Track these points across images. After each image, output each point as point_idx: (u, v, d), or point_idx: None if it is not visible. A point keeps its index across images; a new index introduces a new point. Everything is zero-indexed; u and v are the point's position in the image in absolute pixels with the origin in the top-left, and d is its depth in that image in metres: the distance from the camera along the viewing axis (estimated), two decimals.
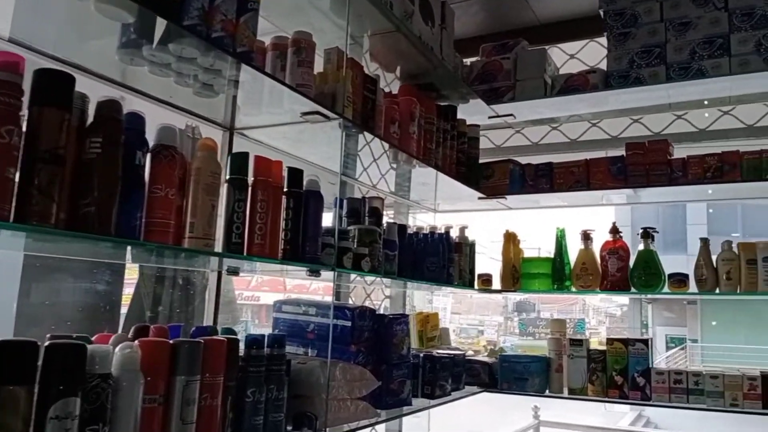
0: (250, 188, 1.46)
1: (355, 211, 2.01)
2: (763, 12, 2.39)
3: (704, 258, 2.42)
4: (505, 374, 2.59)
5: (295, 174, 1.57)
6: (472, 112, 2.82)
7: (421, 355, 2.29)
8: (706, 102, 2.81)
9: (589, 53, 3.12)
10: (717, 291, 2.40)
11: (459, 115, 2.66)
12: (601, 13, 2.74)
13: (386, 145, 2.31)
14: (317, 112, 1.65)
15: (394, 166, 2.62)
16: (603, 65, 2.80)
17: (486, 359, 2.69)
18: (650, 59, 2.58)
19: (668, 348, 18.73)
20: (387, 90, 2.40)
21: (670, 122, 2.98)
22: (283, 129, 1.84)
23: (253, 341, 1.46)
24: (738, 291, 2.33)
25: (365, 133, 2.07)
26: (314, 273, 1.63)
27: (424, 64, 2.38)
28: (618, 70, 2.63)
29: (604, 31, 2.75)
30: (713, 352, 17.89)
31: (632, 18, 2.65)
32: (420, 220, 3.24)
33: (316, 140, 1.93)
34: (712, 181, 2.42)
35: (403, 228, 2.20)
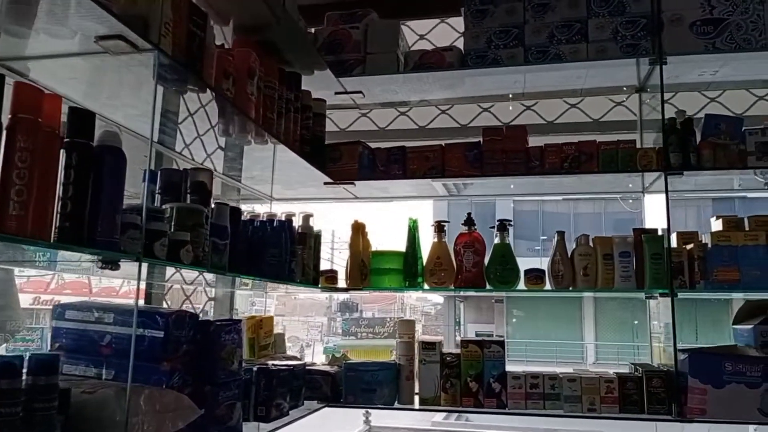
0: (4, 131, 0.95)
1: (173, 186, 1.53)
2: None
3: (561, 253, 2.28)
4: (351, 385, 2.25)
5: (82, 117, 1.07)
6: (318, 86, 2.45)
7: (255, 368, 1.86)
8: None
9: (440, 35, 2.92)
10: (571, 288, 2.28)
11: (303, 87, 2.28)
12: None
13: (214, 118, 1.87)
14: (121, 37, 1.17)
15: (222, 144, 2.17)
16: (457, 47, 2.58)
17: (328, 369, 2.33)
18: (508, 40, 2.40)
19: None
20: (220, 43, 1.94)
21: (520, 112, 2.87)
22: (70, 63, 1.31)
23: (4, 367, 0.95)
24: (595, 287, 2.23)
25: (188, 91, 1.61)
26: (109, 264, 1.14)
27: (265, 15, 1.96)
28: (475, 50, 2.43)
29: (461, 7, 2.53)
30: (516, 346, 19.33)
31: None
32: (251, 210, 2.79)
33: (120, 84, 1.43)
34: (569, 171, 2.30)
35: (236, 211, 1.76)
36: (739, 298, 2.39)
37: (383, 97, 2.78)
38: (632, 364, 2.33)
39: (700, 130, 2.26)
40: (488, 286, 2.32)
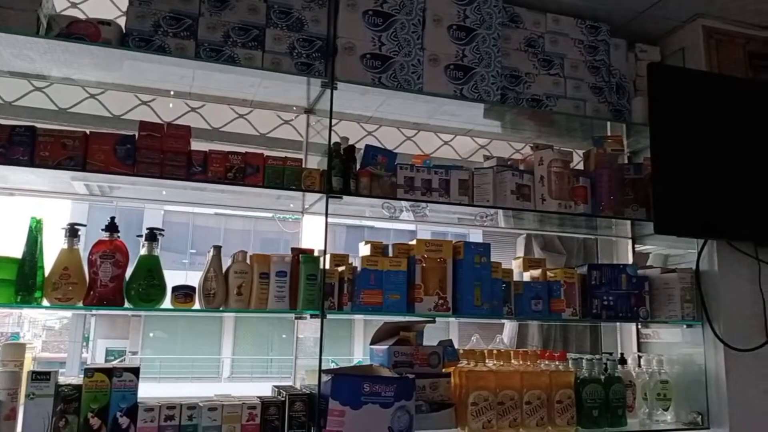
0: None
1: None
2: (300, 15, 2.28)
3: (215, 269, 2.10)
4: None
5: None
6: None
7: None
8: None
9: (96, 8, 2.49)
10: (222, 308, 2.11)
11: None
12: None
13: None
14: None
15: None
16: (117, 23, 2.21)
17: None
18: (179, 29, 2.16)
19: (107, 361, 18.25)
20: None
21: (184, 113, 2.63)
22: None
23: None
24: (248, 308, 2.10)
25: None
26: None
27: None
28: (140, 31, 2.12)
29: None
30: (150, 363, 18.32)
31: None
32: None
33: None
34: (233, 182, 2.14)
35: None
36: (377, 318, 2.53)
37: (14, 63, 2.23)
38: (275, 387, 2.26)
39: (360, 158, 2.35)
40: (128, 304, 2.00)
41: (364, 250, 2.41)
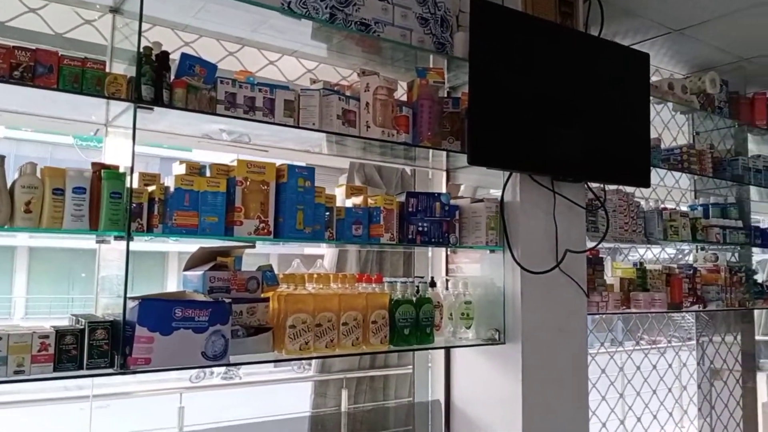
0: None
1: None
2: None
3: None
4: None
5: None
6: None
7: None
8: None
9: None
10: (7, 227, 1.84)
11: None
12: None
13: None
14: None
15: None
16: None
17: None
18: None
19: None
20: None
21: None
22: None
23: None
24: (39, 226, 1.85)
25: None
26: None
27: None
28: None
29: None
30: None
31: None
32: None
33: None
34: (20, 81, 1.84)
35: None
36: (192, 246, 2.39)
37: None
38: (74, 315, 2.06)
39: (175, 68, 2.15)
40: None
41: (179, 169, 2.23)
